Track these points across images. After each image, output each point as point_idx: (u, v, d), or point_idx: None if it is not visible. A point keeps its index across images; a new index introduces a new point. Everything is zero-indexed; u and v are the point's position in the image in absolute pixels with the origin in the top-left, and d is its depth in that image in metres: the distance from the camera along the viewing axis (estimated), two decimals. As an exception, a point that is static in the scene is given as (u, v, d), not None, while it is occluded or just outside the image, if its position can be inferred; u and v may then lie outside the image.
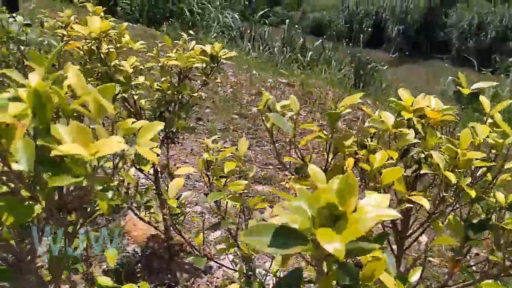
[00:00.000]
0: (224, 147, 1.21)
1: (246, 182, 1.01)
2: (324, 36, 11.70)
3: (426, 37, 15.69)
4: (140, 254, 1.95)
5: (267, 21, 10.96)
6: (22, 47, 1.50)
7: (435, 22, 15.88)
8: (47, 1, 7.87)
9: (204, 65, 1.70)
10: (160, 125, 0.75)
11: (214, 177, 1.05)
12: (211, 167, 1.04)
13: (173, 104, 1.75)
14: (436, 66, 13.96)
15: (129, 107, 1.67)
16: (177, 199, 0.95)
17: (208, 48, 1.70)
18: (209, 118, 3.40)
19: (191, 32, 8.15)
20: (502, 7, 14.51)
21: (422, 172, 0.80)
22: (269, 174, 2.63)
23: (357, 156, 0.87)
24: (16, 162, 0.62)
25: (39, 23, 2.10)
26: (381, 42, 15.98)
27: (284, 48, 8.95)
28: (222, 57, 1.69)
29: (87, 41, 1.48)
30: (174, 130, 1.80)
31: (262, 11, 11.23)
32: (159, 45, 1.82)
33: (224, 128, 3.23)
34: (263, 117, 0.97)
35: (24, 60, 1.51)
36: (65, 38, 1.60)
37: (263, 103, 0.97)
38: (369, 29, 16.23)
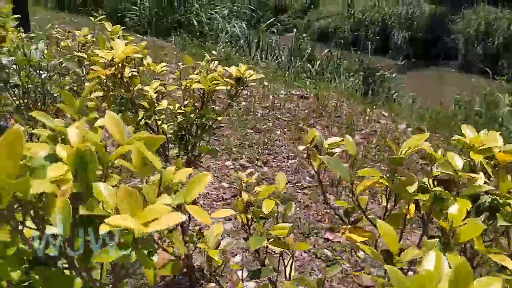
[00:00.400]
0: (259, 181, 1.13)
1: (289, 225, 0.92)
2: (332, 45, 11.62)
3: (432, 43, 15.60)
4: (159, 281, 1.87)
5: (274, 30, 10.91)
6: (43, 73, 1.43)
7: (441, 28, 15.80)
8: (50, 7, 7.89)
9: (228, 87, 1.63)
10: (208, 176, 0.67)
11: (254, 219, 0.96)
12: (251, 208, 0.96)
13: (195, 127, 1.68)
14: (445, 72, 13.84)
15: (151, 132, 1.60)
16: (217, 247, 0.87)
17: (233, 70, 1.62)
18: (224, 133, 3.32)
19: (201, 42, 8.11)
20: (510, 13, 14.40)
21: (499, 225, 0.71)
22: (289, 193, 2.54)
23: (416, 199, 0.79)
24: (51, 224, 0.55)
25: (56, 43, 2.03)
26: (387, 49, 15.89)
27: (292, 57, 8.89)
28: (248, 78, 1.62)
29: (110, 65, 1.41)
30: (196, 154, 1.73)
31: (269, 20, 11.19)
32: (181, 66, 1.74)
33: (239, 143, 3.15)
34: (309, 155, 0.89)
35: (45, 87, 1.44)
36: (86, 62, 1.53)
37: (309, 140, 0.89)
38: (376, 36, 16.17)
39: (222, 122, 1.72)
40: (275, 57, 9.24)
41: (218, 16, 9.25)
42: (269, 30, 10.99)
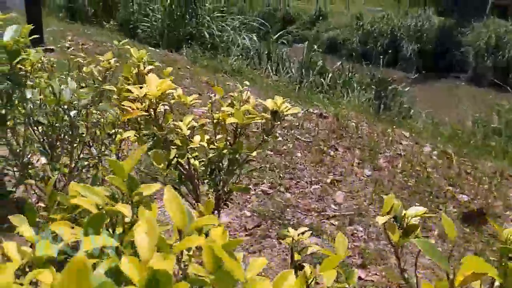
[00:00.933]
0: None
1: (358, 303, 0.80)
2: (344, 58, 11.50)
3: (442, 56, 15.49)
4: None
5: (284, 41, 10.84)
6: (71, 112, 1.31)
7: (450, 41, 15.69)
8: (61, 17, 7.84)
9: (263, 121, 1.52)
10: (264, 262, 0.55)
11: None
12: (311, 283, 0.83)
13: (227, 162, 1.56)
14: (455, 85, 13.70)
15: (182, 169, 1.49)
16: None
17: (269, 103, 1.51)
18: (243, 155, 3.20)
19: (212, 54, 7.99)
20: (520, 26, 14.28)
21: None
22: (315, 224, 2.41)
23: None
24: None
25: (77, 67, 1.93)
26: (396, 61, 15.79)
27: (303, 70, 8.80)
28: (285, 112, 1.50)
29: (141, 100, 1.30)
30: (227, 191, 1.61)
31: (279, 32, 11.13)
32: (213, 97, 1.63)
33: (260, 167, 3.03)
34: (386, 228, 0.76)
35: (73, 130, 1.33)
36: (114, 96, 1.41)
37: (387, 210, 0.76)
38: (385, 49, 16.09)
39: (255, 158, 1.60)
40: (286, 70, 9.16)
41: (229, 28, 9.19)
42: (279, 41, 10.93)
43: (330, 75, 8.18)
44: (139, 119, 1.30)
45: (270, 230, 2.28)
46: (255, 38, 9.79)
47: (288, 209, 2.54)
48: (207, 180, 1.57)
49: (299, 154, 3.26)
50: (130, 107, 1.19)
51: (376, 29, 16.84)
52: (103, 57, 1.88)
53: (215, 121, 1.54)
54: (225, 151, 1.50)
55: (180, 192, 1.47)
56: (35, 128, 1.29)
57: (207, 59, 7.84)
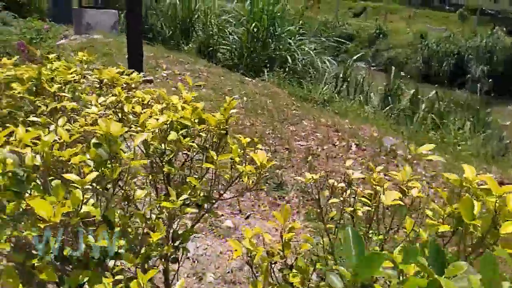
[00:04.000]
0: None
1: None
2: (436, 85, 10.48)
3: (512, 77, 14.22)
4: None
5: (363, 64, 10.03)
6: None
7: (523, 63, 14.37)
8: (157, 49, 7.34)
9: None
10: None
11: None
12: None
13: None
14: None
15: None
16: None
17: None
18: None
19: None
20: None
21: None
22: None
23: None
24: None
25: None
26: (463, 82, 14.64)
27: (390, 98, 7.96)
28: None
29: None
30: None
31: (357, 55, 10.35)
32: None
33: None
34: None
35: None
36: None
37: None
38: (453, 70, 14.97)
39: None
40: (367, 94, 8.36)
41: (311, 52, 8.49)
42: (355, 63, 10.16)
43: (423, 105, 7.29)
44: None
45: None
46: (334, 62, 9.07)
47: None
48: None
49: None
50: None
51: (442, 49, 15.71)
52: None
53: None
54: None
55: None
56: None
57: (290, 85, 7.16)
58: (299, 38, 8.79)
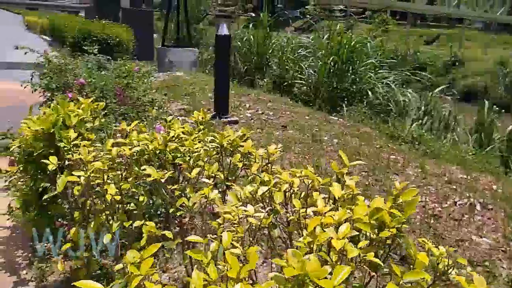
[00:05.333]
0: None
1: None
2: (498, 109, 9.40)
3: None
4: None
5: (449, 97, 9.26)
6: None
7: None
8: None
9: None
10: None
11: None
12: None
13: None
14: None
15: None
16: None
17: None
18: None
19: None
20: None
21: None
22: None
23: None
24: None
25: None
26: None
27: (482, 135, 7.15)
28: None
29: None
30: None
31: (439, 88, 9.60)
32: None
33: None
34: None
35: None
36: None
37: None
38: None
39: None
40: (453, 130, 7.59)
41: (391, 84, 7.96)
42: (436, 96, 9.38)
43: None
44: None
45: None
46: (415, 95, 8.42)
47: None
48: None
49: None
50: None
51: (527, 77, 14.27)
52: None
53: None
54: None
55: None
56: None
57: (373, 121, 6.66)
58: (378, 70, 8.31)
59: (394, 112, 7.43)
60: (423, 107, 8.36)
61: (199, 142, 1.81)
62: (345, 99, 7.78)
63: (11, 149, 1.94)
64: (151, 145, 1.56)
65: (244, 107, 5.50)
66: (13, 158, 2.07)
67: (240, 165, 1.65)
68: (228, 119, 4.84)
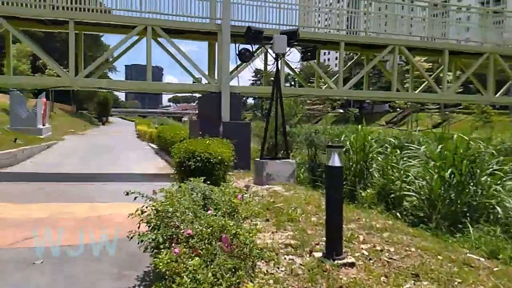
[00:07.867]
0: None
1: None
2: None
3: None
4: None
5: None
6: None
7: None
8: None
9: None
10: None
11: None
12: None
13: None
14: None
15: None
16: None
17: None
18: None
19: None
20: None
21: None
22: None
23: None
24: None
25: None
26: None
27: None
28: None
29: None
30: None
31: None
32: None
33: None
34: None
35: None
36: None
37: None
38: None
39: None
40: None
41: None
42: None
43: None
44: None
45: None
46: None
47: None
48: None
49: None
50: None
51: None
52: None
53: None
54: None
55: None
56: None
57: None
58: (504, 180, 6.99)
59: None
60: None
61: None
62: (467, 215, 6.52)
63: None
64: None
65: (357, 239, 4.66)
66: None
67: None
68: (343, 261, 4.03)
